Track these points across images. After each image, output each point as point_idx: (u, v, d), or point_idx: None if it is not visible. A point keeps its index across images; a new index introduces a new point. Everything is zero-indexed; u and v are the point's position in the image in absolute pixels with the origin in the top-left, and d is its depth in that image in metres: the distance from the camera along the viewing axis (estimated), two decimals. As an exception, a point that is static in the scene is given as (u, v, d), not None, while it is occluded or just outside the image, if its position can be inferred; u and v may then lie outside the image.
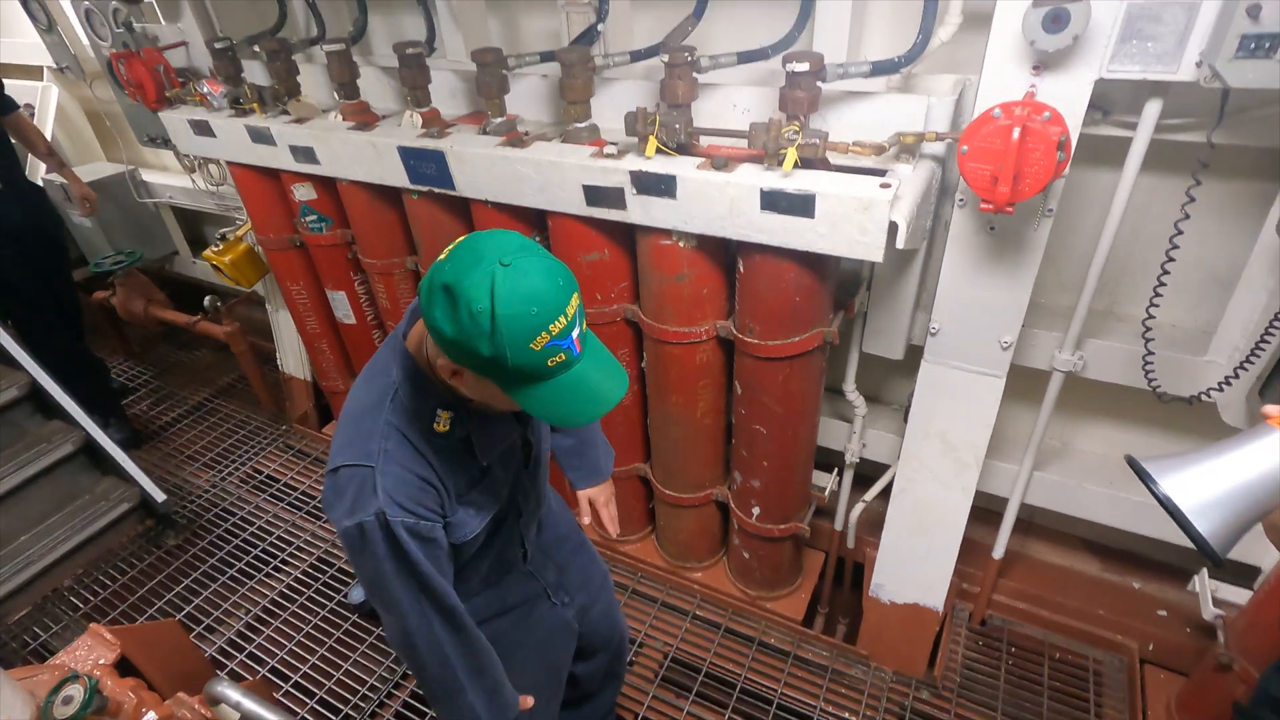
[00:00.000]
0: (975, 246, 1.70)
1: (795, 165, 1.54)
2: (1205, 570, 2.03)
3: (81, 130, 4.26)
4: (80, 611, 2.75)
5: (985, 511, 2.42)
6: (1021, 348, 1.94)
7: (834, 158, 1.66)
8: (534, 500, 1.46)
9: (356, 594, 2.72)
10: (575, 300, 0.97)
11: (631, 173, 1.71)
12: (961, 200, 1.65)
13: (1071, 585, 2.44)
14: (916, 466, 2.10)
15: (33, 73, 4.07)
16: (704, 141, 1.78)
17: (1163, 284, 1.67)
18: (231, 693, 1.25)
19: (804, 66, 1.50)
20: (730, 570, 2.63)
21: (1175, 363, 1.83)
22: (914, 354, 2.03)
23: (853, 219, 1.50)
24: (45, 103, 4.03)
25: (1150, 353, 1.77)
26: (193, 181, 3.59)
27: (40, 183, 3.52)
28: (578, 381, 1.00)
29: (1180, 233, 1.57)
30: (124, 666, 1.63)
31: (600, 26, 2.00)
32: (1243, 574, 2.06)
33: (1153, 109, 1.49)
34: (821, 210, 1.52)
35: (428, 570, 1.15)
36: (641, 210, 1.78)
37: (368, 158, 2.17)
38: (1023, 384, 2.05)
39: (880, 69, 1.62)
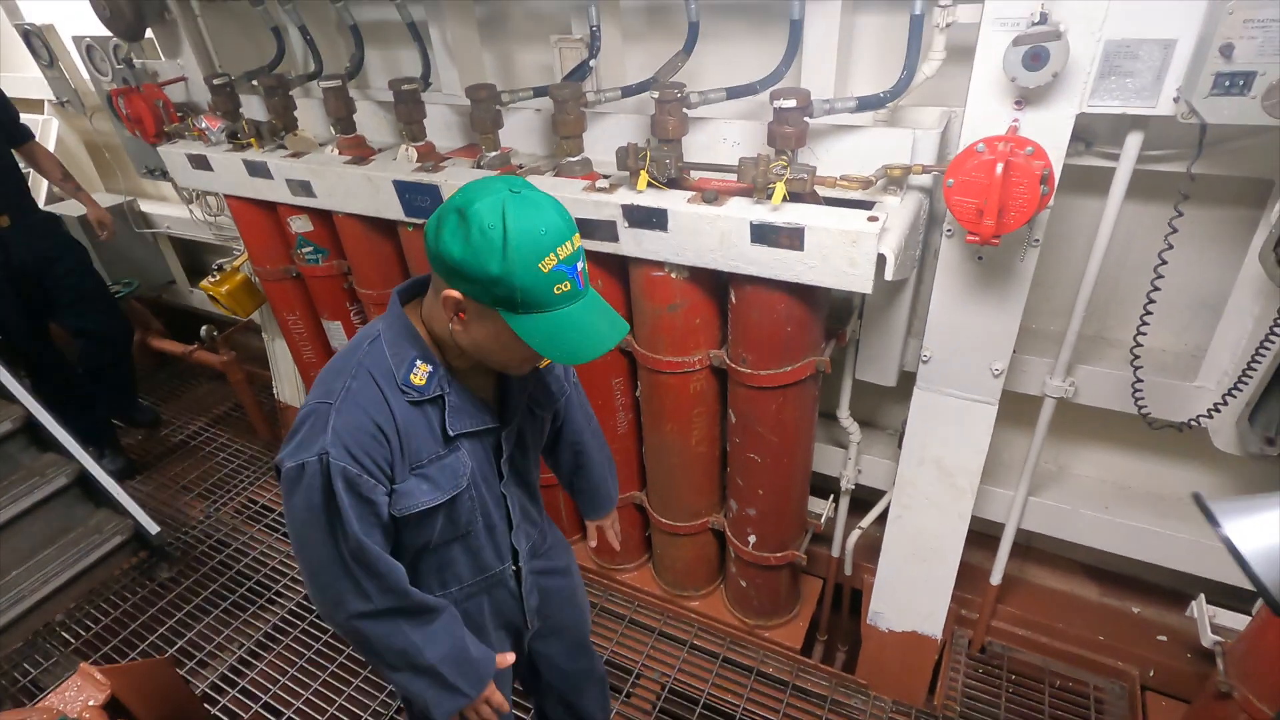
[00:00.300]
0: (964, 275, 1.72)
1: (784, 199, 1.56)
2: (1203, 596, 2.02)
3: (81, 162, 4.30)
4: (71, 647, 2.72)
5: (982, 537, 2.42)
6: (1013, 374, 1.96)
7: (823, 191, 1.69)
8: (528, 513, 1.43)
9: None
10: (577, 239, 1.03)
11: (623, 206, 1.73)
12: (949, 231, 1.68)
13: (1071, 611, 2.43)
14: (912, 493, 2.10)
15: (34, 106, 4.12)
16: (694, 175, 1.80)
17: (1150, 310, 1.68)
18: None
19: (791, 103, 1.53)
20: (728, 599, 2.61)
21: (1165, 388, 1.84)
22: (907, 380, 2.04)
23: (842, 252, 1.52)
24: (46, 135, 4.08)
25: (1139, 379, 1.79)
26: (190, 212, 3.62)
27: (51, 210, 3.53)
28: (579, 318, 1.03)
29: (1165, 261, 1.59)
30: (114, 707, 1.61)
31: (592, 62, 2.03)
32: (1242, 598, 2.06)
33: (1134, 141, 1.52)
34: (811, 243, 1.54)
35: (355, 530, 1.09)
36: (634, 242, 1.80)
37: (364, 191, 2.19)
38: (1016, 409, 2.06)
39: (866, 104, 1.65)
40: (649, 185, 1.73)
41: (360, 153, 2.28)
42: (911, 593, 2.26)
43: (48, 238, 3.06)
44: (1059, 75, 1.34)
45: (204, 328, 3.52)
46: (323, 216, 2.48)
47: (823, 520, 2.38)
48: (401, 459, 1.13)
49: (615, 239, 1.82)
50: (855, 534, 2.46)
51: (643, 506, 2.52)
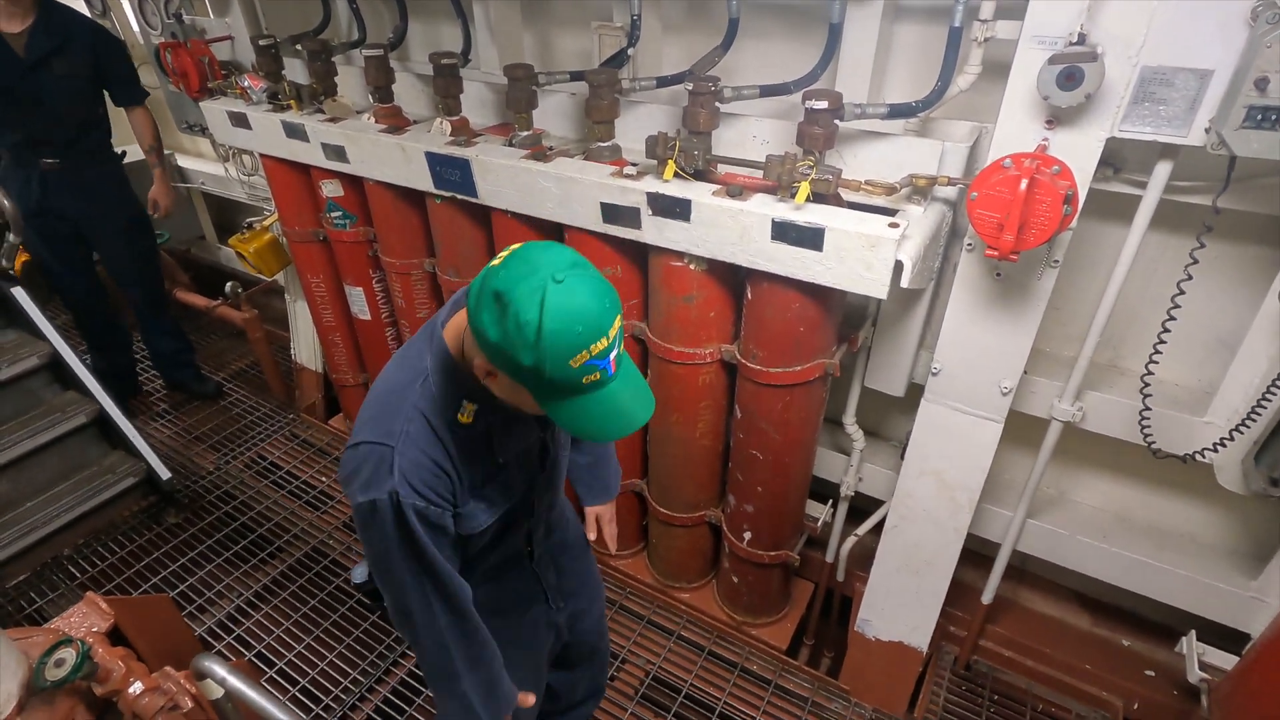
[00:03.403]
0: (981, 291, 1.72)
1: (807, 199, 1.58)
2: (1194, 632, 2.02)
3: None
4: (77, 580, 2.79)
5: (976, 555, 2.42)
6: (1022, 394, 1.96)
7: (847, 194, 1.70)
8: (547, 502, 1.48)
9: (359, 573, 2.73)
10: (618, 322, 0.99)
11: (648, 194, 1.76)
12: (969, 245, 1.68)
13: (1060, 637, 2.43)
14: (910, 504, 2.11)
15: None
16: (721, 169, 1.82)
17: (1164, 341, 1.68)
18: (218, 668, 1.28)
19: (823, 104, 1.55)
20: (718, 593, 2.63)
21: (1173, 421, 1.84)
22: (915, 392, 2.05)
23: (859, 255, 1.54)
24: (92, 84, 4.15)
25: (1148, 409, 1.79)
26: (225, 170, 3.69)
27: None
28: (608, 400, 1.03)
29: (1182, 292, 1.59)
30: (115, 637, 1.66)
31: (630, 50, 2.06)
32: (1233, 639, 2.05)
33: (1163, 170, 1.52)
34: (830, 244, 1.56)
35: (433, 555, 1.18)
36: (655, 231, 1.82)
37: (396, 160, 2.23)
38: (1021, 429, 2.07)
39: (898, 112, 1.66)
40: (675, 175, 1.76)
41: (396, 122, 2.32)
42: (901, 603, 2.27)
43: (89, 191, 3.06)
44: (1092, 97, 1.35)
45: (229, 284, 3.59)
46: (354, 183, 2.53)
47: (819, 524, 2.40)
48: (461, 487, 1.21)
49: (638, 226, 1.84)
50: (850, 540, 2.47)
51: (642, 494, 2.55)
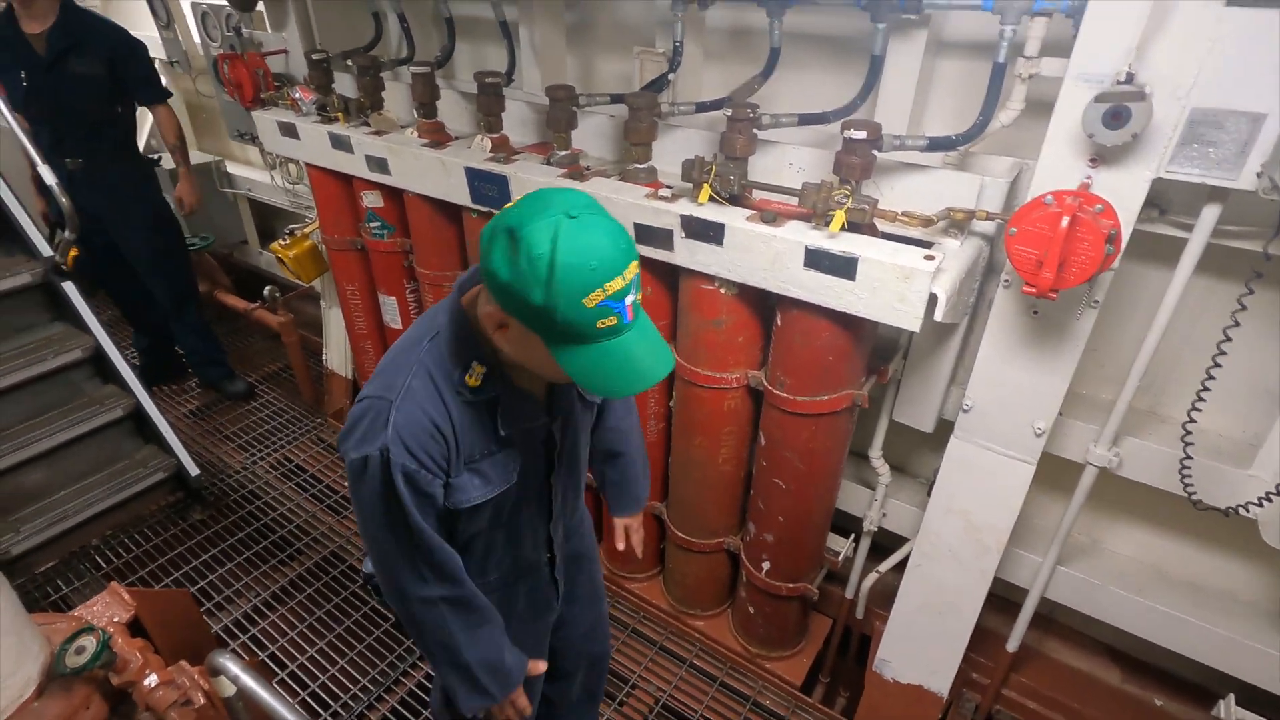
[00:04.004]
0: (1017, 328, 1.69)
1: (842, 227, 1.57)
2: (1232, 696, 1.92)
3: (182, 119, 4.55)
4: (102, 571, 2.85)
5: (1002, 600, 2.35)
6: (1056, 436, 1.91)
7: (882, 225, 1.69)
8: (566, 502, 1.46)
9: (371, 564, 2.74)
10: (634, 267, 0.96)
11: (682, 216, 1.76)
12: (1006, 281, 1.66)
13: (1088, 692, 2.33)
14: (935, 543, 2.06)
15: (145, 63, 4.39)
16: (756, 195, 1.82)
17: (1207, 389, 1.63)
18: (232, 666, 1.28)
19: (861, 134, 1.55)
20: (733, 623, 2.58)
21: (1215, 472, 1.77)
22: (945, 428, 2.01)
23: (893, 286, 1.52)
24: (152, 91, 4.33)
25: (1189, 458, 1.73)
26: (271, 178, 3.80)
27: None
28: (622, 351, 0.98)
29: (1229, 339, 1.55)
30: (135, 628, 1.68)
31: (671, 75, 2.09)
32: (1275, 706, 1.95)
33: (1210, 214, 1.49)
34: (863, 274, 1.54)
35: (418, 521, 1.15)
36: (687, 253, 1.82)
37: (436, 174, 2.28)
38: (1054, 472, 2.01)
39: (937, 145, 1.65)
40: (710, 199, 1.76)
41: (438, 138, 2.37)
42: (922, 645, 2.20)
43: (110, 190, 3.15)
44: (1138, 136, 1.32)
45: (267, 288, 3.68)
46: (394, 194, 2.58)
47: (840, 559, 2.35)
48: (457, 455, 1.16)
49: (670, 248, 1.85)
50: (872, 577, 2.42)
51: (661, 518, 2.52)
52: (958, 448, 1.92)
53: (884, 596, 2.54)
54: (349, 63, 2.63)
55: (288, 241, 3.29)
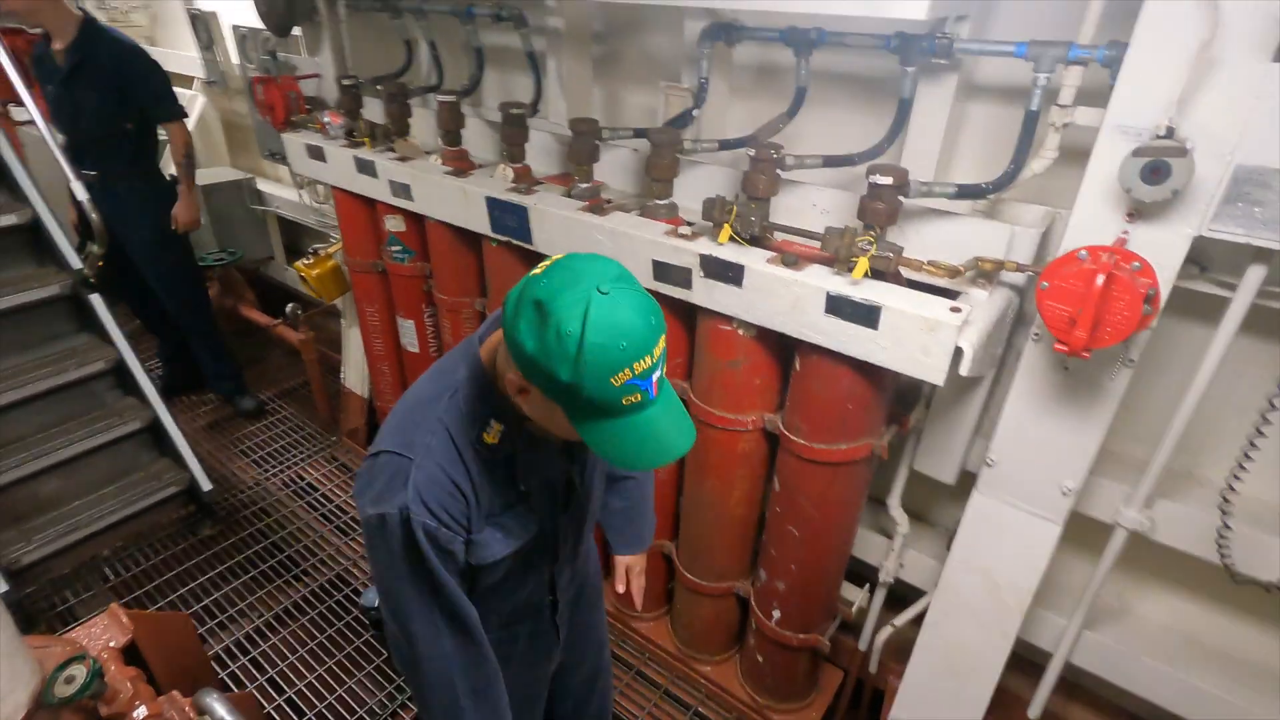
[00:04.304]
0: (1046, 384, 1.63)
1: (865, 274, 1.52)
2: (1272, 783, 1.80)
3: (216, 137, 4.67)
4: (109, 584, 2.85)
5: (1024, 661, 2.24)
6: (1085, 495, 1.82)
7: (907, 272, 1.64)
8: (572, 546, 1.42)
9: (370, 597, 2.70)
10: (662, 343, 0.94)
11: (701, 256, 1.73)
12: (1036, 335, 1.60)
13: (1115, 765, 2.21)
14: (954, 599, 1.98)
15: (185, 81, 4.50)
16: (777, 236, 1.79)
17: (1250, 458, 1.55)
18: (219, 707, 1.25)
19: (888, 180, 1.51)
20: (741, 671, 2.50)
21: (1256, 542, 1.67)
22: (967, 480, 1.94)
23: (916, 337, 1.47)
24: (191, 108, 4.44)
25: (1228, 526, 1.63)
26: (300, 197, 3.86)
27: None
28: (646, 425, 0.96)
29: (1275, 408, 1.47)
30: (131, 652, 1.66)
31: (695, 111, 2.07)
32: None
33: (1255, 274, 1.42)
34: (885, 323, 1.49)
35: (442, 576, 1.12)
36: (705, 293, 1.79)
37: (457, 201, 2.28)
38: (1082, 531, 1.92)
39: (966, 192, 1.60)
40: (731, 239, 1.73)
41: (461, 165, 2.38)
42: (939, 707, 2.10)
43: (118, 204, 3.17)
44: (1179, 193, 1.27)
45: (289, 305, 3.71)
46: (415, 220, 2.59)
47: (854, 609, 2.27)
48: (478, 511, 1.15)
49: (688, 286, 1.81)
50: (887, 630, 2.32)
51: (670, 557, 2.46)
52: (980, 503, 1.85)
53: (899, 649, 2.44)
54: (378, 88, 2.66)
55: (311, 261, 3.32)
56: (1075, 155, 1.52)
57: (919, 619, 2.13)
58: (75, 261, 2.80)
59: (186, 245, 3.52)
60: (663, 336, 0.95)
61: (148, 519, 3.06)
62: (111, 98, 3.02)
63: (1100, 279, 1.29)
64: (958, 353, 1.45)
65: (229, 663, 2.57)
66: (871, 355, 1.56)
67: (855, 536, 2.13)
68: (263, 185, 4.34)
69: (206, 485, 3.07)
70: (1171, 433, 1.63)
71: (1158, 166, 1.26)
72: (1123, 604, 2.16)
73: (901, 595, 2.33)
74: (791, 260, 1.64)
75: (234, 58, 3.80)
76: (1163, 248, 1.36)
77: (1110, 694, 2.31)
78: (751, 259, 1.68)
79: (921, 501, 2.39)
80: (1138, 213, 1.38)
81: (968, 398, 1.91)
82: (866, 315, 1.51)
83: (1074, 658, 2.04)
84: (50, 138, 2.68)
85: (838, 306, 1.55)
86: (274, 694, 2.47)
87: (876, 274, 1.56)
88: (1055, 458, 1.68)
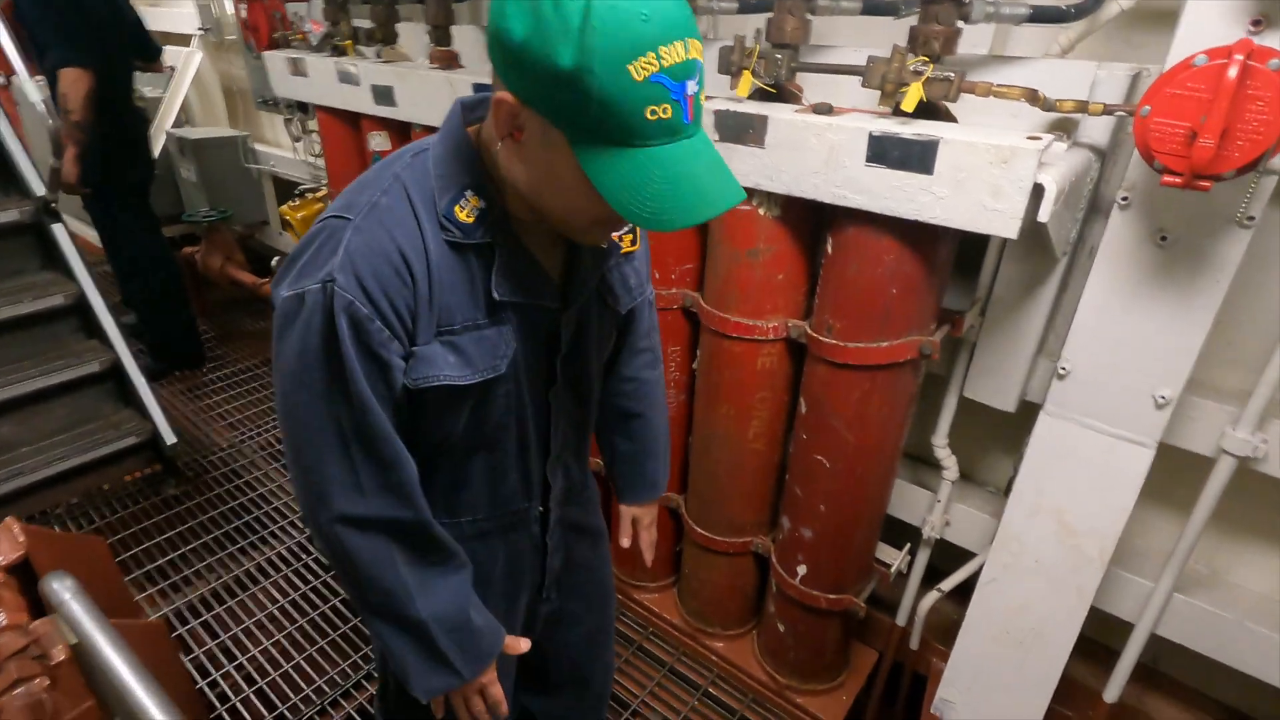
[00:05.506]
0: (1136, 263, 1.32)
1: (920, 102, 1.23)
2: None
3: (214, 96, 4.54)
4: (58, 540, 2.58)
5: (1092, 643, 1.90)
6: (1176, 421, 1.49)
7: (963, 115, 1.35)
8: (572, 444, 1.12)
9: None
10: (696, 46, 0.69)
11: (716, 112, 1.45)
12: (1125, 199, 1.30)
13: (1206, 764, 1.84)
14: (1017, 550, 1.65)
15: (182, 40, 4.37)
16: (806, 99, 1.51)
17: None
18: (64, 593, 0.97)
19: (945, -5, 1.23)
20: (759, 647, 2.16)
21: None
22: (1027, 414, 1.62)
23: (984, 176, 1.17)
24: (188, 65, 4.30)
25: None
26: (295, 151, 3.66)
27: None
28: (677, 164, 0.70)
29: None
30: (24, 571, 1.38)
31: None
32: None
33: None
34: (944, 161, 1.20)
35: (362, 390, 0.82)
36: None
37: (444, 98, 2.03)
38: (1167, 477, 1.58)
39: (1043, 15, 1.32)
40: (754, 91, 1.45)
41: (450, 64, 2.14)
42: (997, 683, 1.76)
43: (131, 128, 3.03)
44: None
45: (274, 259, 3.49)
46: (401, 134, 2.34)
47: (893, 571, 1.93)
48: (428, 311, 0.85)
49: (700, 159, 1.54)
50: (932, 597, 1.98)
51: (678, 512, 2.14)
52: (1050, 427, 1.53)
53: (942, 630, 2.10)
54: (365, -2, 2.45)
55: (297, 204, 3.10)
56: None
57: (968, 586, 1.81)
58: (40, 189, 2.59)
59: (122, 198, 3.19)
60: (695, 38, 0.69)
61: (108, 472, 2.80)
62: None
63: (1233, 72, 1.00)
64: (1038, 191, 1.15)
65: (178, 625, 2.28)
66: (924, 210, 1.26)
67: (896, 471, 1.80)
68: (258, 145, 4.17)
69: (170, 439, 2.81)
70: (1295, 327, 1.31)
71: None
72: (1212, 570, 1.82)
73: (943, 566, 2.00)
74: (825, 108, 1.36)
75: (228, 5, 3.65)
76: (1307, 46, 1.06)
77: (1197, 680, 1.95)
78: (776, 109, 1.40)
79: (968, 453, 2.05)
80: (1267, 18, 1.09)
81: (1032, 297, 1.60)
82: (920, 156, 1.22)
83: (1160, 627, 1.69)
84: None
85: (883, 150, 1.26)
86: (223, 660, 2.17)
87: (928, 111, 1.27)
88: (1148, 359, 1.37)
